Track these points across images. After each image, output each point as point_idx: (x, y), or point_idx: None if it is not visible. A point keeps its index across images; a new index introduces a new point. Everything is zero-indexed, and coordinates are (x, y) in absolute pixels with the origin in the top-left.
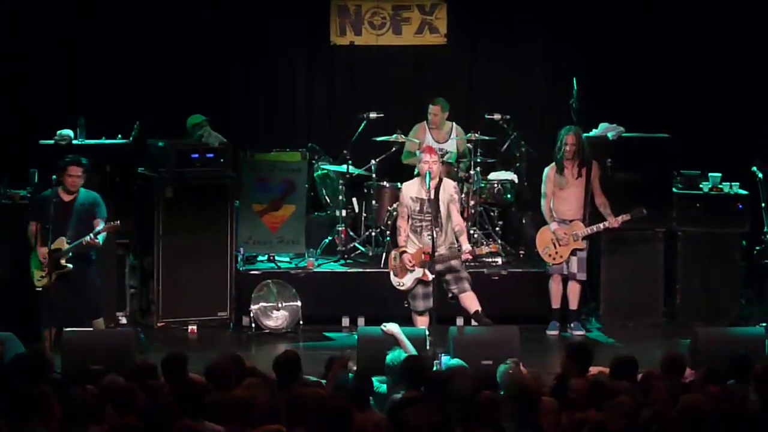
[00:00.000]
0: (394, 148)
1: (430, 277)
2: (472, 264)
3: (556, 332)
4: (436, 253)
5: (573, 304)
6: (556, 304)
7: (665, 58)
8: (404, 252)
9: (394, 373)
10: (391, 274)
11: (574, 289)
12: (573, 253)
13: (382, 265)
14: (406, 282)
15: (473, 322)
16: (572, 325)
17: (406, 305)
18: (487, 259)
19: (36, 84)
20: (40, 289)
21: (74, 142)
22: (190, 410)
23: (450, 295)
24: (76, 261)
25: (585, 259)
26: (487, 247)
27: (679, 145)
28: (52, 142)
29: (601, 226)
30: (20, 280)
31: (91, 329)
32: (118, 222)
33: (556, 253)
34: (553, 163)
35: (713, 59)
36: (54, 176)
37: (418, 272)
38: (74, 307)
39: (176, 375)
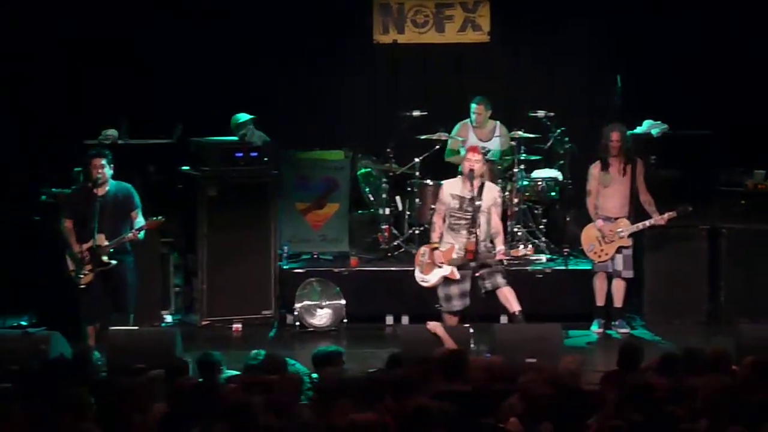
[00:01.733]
0: (437, 146)
1: (458, 276)
2: (516, 262)
3: (600, 329)
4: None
5: (617, 302)
6: (600, 301)
7: (710, 55)
8: (436, 248)
9: None
10: (417, 270)
11: (618, 287)
12: (618, 250)
13: None
14: (430, 279)
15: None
16: (617, 322)
17: (437, 306)
18: (532, 257)
19: (81, 84)
20: (83, 286)
21: (118, 141)
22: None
23: (483, 290)
24: (114, 256)
25: (630, 256)
26: (524, 249)
27: (723, 142)
28: (96, 141)
29: (647, 223)
30: (64, 278)
31: (135, 327)
32: (162, 217)
33: (602, 250)
34: (598, 161)
35: (760, 56)
36: (80, 171)
37: (446, 270)
38: (111, 303)
39: (209, 375)
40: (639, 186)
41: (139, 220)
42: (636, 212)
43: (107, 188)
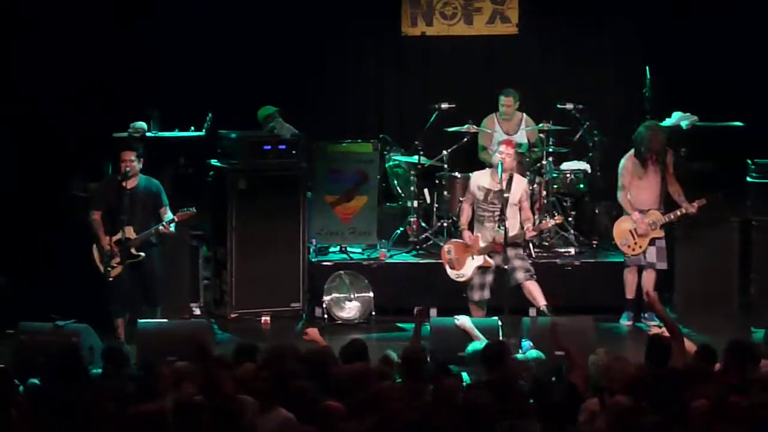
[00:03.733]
0: (465, 139)
1: (492, 263)
2: (545, 255)
3: (629, 322)
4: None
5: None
6: (630, 294)
7: (740, 46)
8: (464, 230)
9: (474, 361)
10: (447, 267)
11: (649, 278)
12: (651, 242)
13: None
14: (465, 272)
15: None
16: (646, 315)
17: (465, 296)
18: (561, 249)
19: (110, 76)
20: (112, 279)
21: (148, 134)
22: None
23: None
24: (142, 248)
25: (664, 248)
26: (552, 219)
27: (754, 134)
28: (126, 134)
29: (678, 212)
30: (94, 271)
31: (165, 320)
32: (193, 209)
33: (635, 243)
34: (630, 154)
35: None
36: (109, 165)
37: (479, 260)
38: (141, 296)
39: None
40: (668, 177)
41: (168, 216)
42: (666, 204)
43: (136, 182)
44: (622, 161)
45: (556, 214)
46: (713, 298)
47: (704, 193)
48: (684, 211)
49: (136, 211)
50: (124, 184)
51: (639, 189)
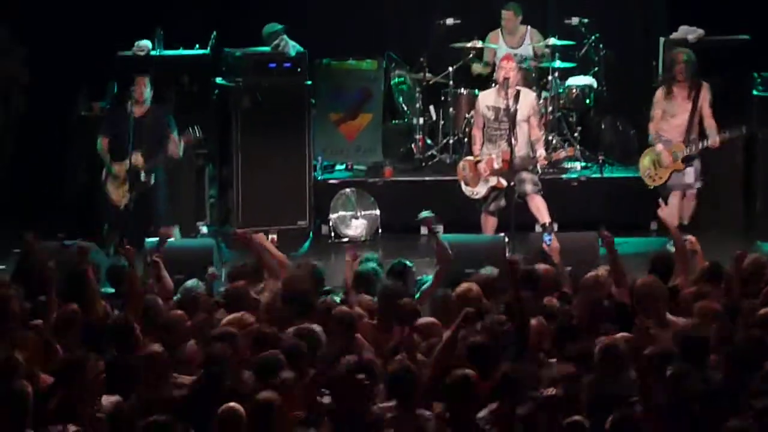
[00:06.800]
0: (471, 55)
1: (505, 184)
2: (550, 170)
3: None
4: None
5: (686, 218)
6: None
7: None
8: (479, 161)
9: None
10: (462, 184)
11: (689, 202)
12: (689, 164)
13: None
14: (480, 190)
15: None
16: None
17: (477, 209)
18: (567, 165)
19: None
20: (122, 207)
21: (152, 53)
22: None
23: (516, 196)
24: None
25: (699, 169)
26: (564, 151)
27: (760, 47)
28: (130, 53)
29: (700, 145)
30: (98, 190)
31: (172, 239)
32: (199, 133)
33: (656, 174)
34: (663, 86)
35: None
36: (114, 84)
37: (493, 180)
38: (144, 222)
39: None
40: (703, 111)
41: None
42: (699, 137)
43: (145, 109)
44: (656, 93)
45: (568, 145)
46: (718, 215)
47: (728, 129)
48: (707, 144)
49: (143, 138)
50: (133, 109)
51: (666, 121)
